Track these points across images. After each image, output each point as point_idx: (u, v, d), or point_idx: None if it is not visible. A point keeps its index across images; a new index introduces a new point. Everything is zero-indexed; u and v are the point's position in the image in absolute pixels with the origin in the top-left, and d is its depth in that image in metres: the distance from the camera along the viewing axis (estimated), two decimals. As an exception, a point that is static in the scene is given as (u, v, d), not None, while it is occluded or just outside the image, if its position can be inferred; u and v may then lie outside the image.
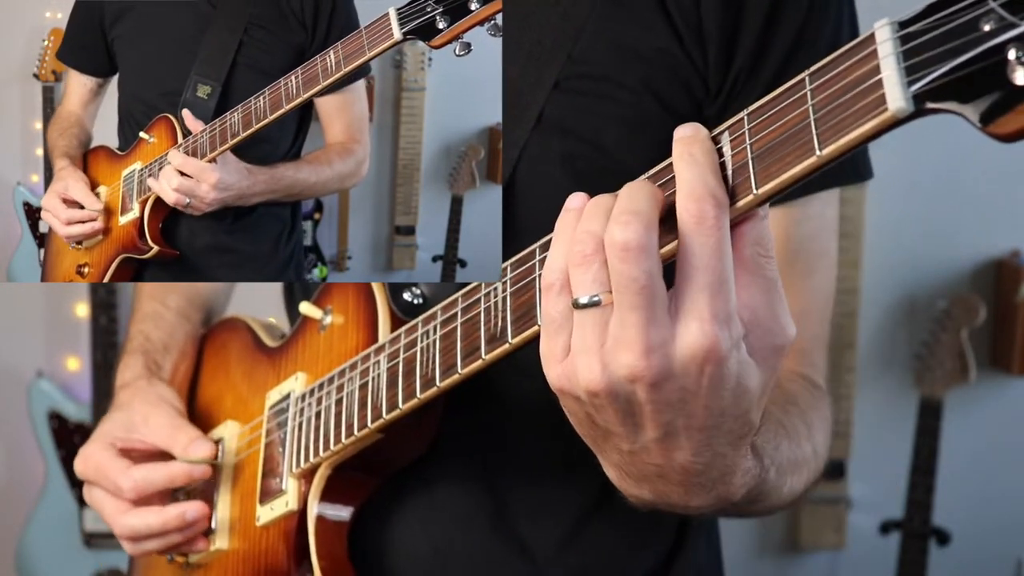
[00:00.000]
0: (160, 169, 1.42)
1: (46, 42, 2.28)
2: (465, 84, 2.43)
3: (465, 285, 1.05)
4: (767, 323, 0.70)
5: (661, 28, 1.03)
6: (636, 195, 0.69)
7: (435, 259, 2.49)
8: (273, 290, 1.41)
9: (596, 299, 0.69)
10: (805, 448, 0.96)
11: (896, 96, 0.60)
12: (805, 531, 2.89)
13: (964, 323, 2.72)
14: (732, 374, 0.69)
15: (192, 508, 1.11)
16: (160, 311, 1.31)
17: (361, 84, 1.58)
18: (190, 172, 1.38)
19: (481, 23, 1.12)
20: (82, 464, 1.14)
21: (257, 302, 1.47)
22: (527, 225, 1.07)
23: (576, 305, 0.70)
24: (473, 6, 1.12)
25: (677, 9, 1.03)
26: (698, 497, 0.78)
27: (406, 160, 2.47)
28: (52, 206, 1.52)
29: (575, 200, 0.74)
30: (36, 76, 2.31)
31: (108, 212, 1.51)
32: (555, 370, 0.73)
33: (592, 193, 0.72)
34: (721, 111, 1.04)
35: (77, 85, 1.65)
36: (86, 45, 1.61)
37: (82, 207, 1.51)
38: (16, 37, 2.29)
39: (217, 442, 1.18)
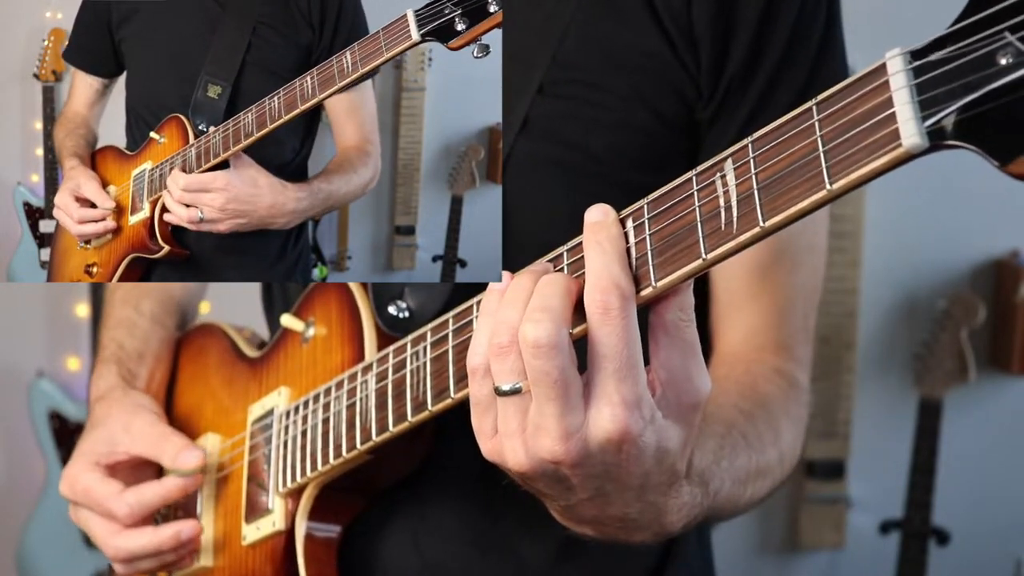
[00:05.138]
0: (171, 169, 1.41)
1: (46, 42, 2.28)
2: (465, 84, 2.42)
3: (459, 285, 1.04)
4: (682, 383, 0.73)
5: (650, 32, 1.01)
6: (549, 291, 0.72)
7: (435, 259, 2.48)
8: (250, 291, 1.39)
9: (517, 387, 0.73)
10: (770, 455, 0.98)
11: (911, 132, 0.57)
12: (805, 530, 2.89)
13: (964, 323, 2.72)
14: (650, 443, 0.73)
15: (187, 527, 1.08)
16: (133, 317, 1.27)
17: (369, 84, 1.55)
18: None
19: (500, 25, 1.08)
20: (68, 487, 1.10)
21: (233, 304, 1.46)
22: (521, 230, 1.06)
23: (498, 392, 0.73)
24: (492, 8, 1.09)
25: (667, 11, 1.01)
26: (636, 535, 0.82)
27: (406, 160, 2.46)
28: (65, 204, 1.50)
29: (500, 282, 0.76)
30: (36, 76, 2.30)
31: (118, 211, 1.50)
32: (486, 446, 0.77)
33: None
34: (715, 114, 1.03)
35: (83, 86, 1.64)
36: (93, 46, 1.59)
37: (94, 206, 1.49)
38: (16, 37, 2.29)
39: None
